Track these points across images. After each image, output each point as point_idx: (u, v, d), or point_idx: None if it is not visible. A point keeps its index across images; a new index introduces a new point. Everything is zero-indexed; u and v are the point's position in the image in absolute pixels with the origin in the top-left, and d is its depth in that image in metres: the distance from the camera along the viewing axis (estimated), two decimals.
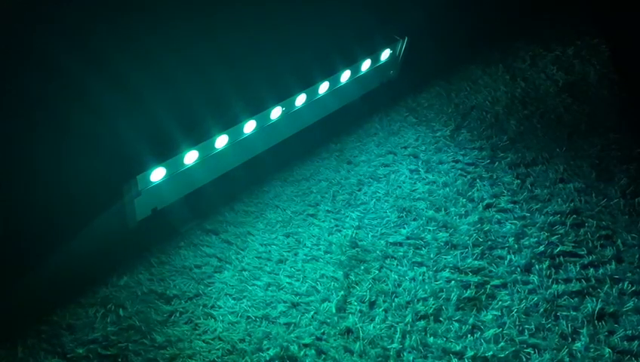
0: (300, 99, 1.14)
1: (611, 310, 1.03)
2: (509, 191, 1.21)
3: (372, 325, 0.98)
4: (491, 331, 0.98)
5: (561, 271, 1.08)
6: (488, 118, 1.38)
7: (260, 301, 0.99)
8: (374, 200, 1.17)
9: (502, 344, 0.97)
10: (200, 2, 0.88)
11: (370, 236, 1.11)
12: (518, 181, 1.23)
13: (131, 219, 0.99)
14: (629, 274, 1.09)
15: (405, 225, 1.13)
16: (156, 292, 0.98)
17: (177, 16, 0.86)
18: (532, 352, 0.97)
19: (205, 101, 0.98)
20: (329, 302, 1.00)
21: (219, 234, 1.08)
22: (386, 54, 1.30)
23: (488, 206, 1.18)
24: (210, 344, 0.94)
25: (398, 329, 0.97)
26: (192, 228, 1.08)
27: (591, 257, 1.11)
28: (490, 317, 1.00)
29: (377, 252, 1.08)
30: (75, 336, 0.92)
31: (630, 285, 1.07)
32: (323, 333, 0.96)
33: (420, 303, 1.01)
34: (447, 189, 1.20)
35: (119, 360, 0.90)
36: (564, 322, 1.01)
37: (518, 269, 1.08)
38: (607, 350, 0.98)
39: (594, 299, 1.04)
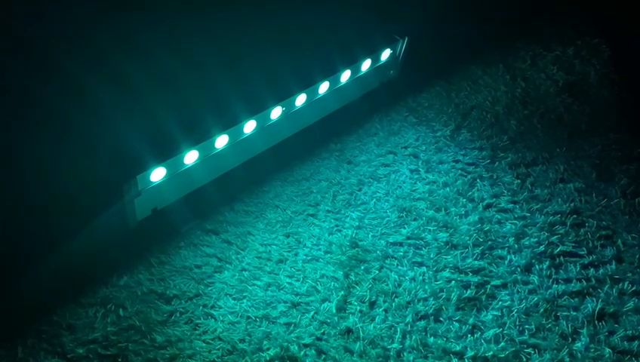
0: (300, 99, 1.14)
1: (611, 310, 1.03)
2: (509, 191, 1.21)
3: (372, 325, 0.98)
4: (491, 331, 0.98)
5: (561, 271, 1.08)
6: (488, 117, 1.38)
7: (260, 301, 0.99)
8: (374, 200, 1.17)
9: (502, 344, 0.97)
10: (200, 2, 0.88)
11: (370, 236, 1.11)
12: (519, 181, 1.23)
13: (131, 219, 0.99)
14: (629, 274, 1.09)
15: (405, 225, 1.13)
16: (156, 293, 0.98)
17: (177, 16, 0.86)
18: (532, 352, 0.97)
19: (205, 101, 0.98)
20: (329, 302, 1.00)
21: (219, 234, 1.08)
22: (386, 54, 1.29)
23: (488, 206, 1.18)
24: (211, 344, 0.94)
25: (399, 330, 0.97)
26: (192, 228, 1.08)
27: (591, 257, 1.11)
28: (491, 317, 1.00)
29: (377, 252, 1.08)
30: (75, 336, 0.92)
31: (630, 285, 1.07)
32: (323, 333, 0.96)
33: (420, 303, 1.01)
34: (448, 189, 1.20)
35: (119, 360, 0.90)
36: (565, 322, 1.01)
37: (519, 269, 1.08)
38: (608, 350, 0.98)
39: (594, 299, 1.04)
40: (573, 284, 1.06)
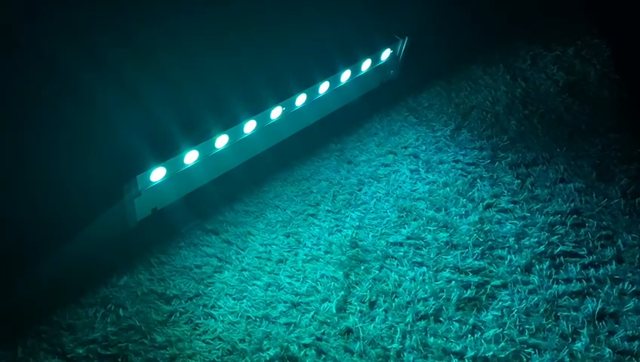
0: (301, 99, 1.14)
1: (612, 310, 1.03)
2: (509, 191, 1.21)
3: (372, 325, 0.98)
4: (492, 331, 0.98)
5: (561, 271, 1.08)
6: (489, 117, 1.38)
7: (260, 301, 0.99)
8: (375, 200, 1.17)
9: (502, 344, 0.97)
10: (200, 2, 0.88)
11: (370, 236, 1.11)
12: (519, 181, 1.23)
13: (131, 219, 0.99)
14: (629, 275, 1.09)
15: (406, 225, 1.13)
16: (156, 293, 0.98)
17: (177, 15, 0.86)
18: (532, 352, 0.97)
19: (205, 101, 0.98)
20: (329, 302, 1.00)
21: (219, 234, 1.08)
22: (386, 54, 1.29)
23: (489, 206, 1.18)
24: (210, 344, 0.94)
25: (399, 330, 0.97)
26: (192, 228, 1.08)
27: (591, 257, 1.11)
28: (491, 317, 1.00)
29: (378, 252, 1.08)
30: (75, 336, 0.92)
31: (630, 285, 1.07)
32: (323, 333, 0.96)
33: (421, 303, 1.01)
34: (448, 189, 1.20)
35: (119, 360, 0.90)
36: (565, 322, 1.01)
37: (519, 269, 1.08)
38: (608, 350, 0.98)
39: (594, 299, 1.04)
40: (573, 284, 1.06)
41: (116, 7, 0.78)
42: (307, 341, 0.95)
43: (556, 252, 1.11)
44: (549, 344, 0.98)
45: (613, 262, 1.10)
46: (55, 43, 0.74)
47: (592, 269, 1.09)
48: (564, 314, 1.02)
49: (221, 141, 1.04)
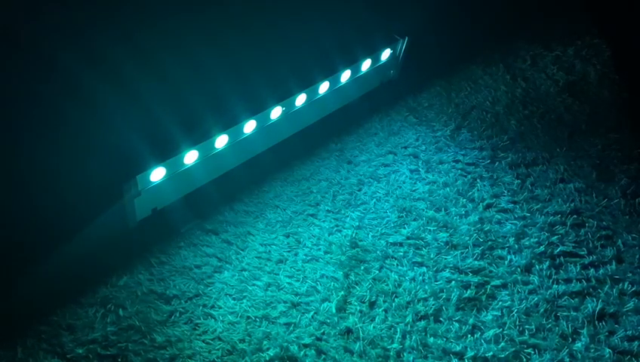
0: (300, 99, 1.14)
1: (612, 310, 1.03)
2: (509, 191, 1.21)
3: (372, 325, 0.98)
4: (491, 331, 0.98)
5: (561, 271, 1.08)
6: (489, 117, 1.38)
7: (260, 301, 0.99)
8: (374, 200, 1.17)
9: (502, 344, 0.97)
10: (200, 2, 0.88)
11: (370, 236, 1.11)
12: (519, 181, 1.23)
13: (131, 219, 0.99)
14: (629, 275, 1.09)
15: (405, 225, 1.13)
16: (156, 293, 0.98)
17: (177, 15, 0.86)
18: (532, 352, 0.97)
19: (205, 101, 0.98)
20: (329, 302, 1.00)
21: (219, 234, 1.08)
22: (386, 54, 1.29)
23: (488, 206, 1.18)
24: (210, 344, 0.93)
25: (399, 330, 0.97)
26: (192, 228, 1.08)
27: (591, 257, 1.11)
28: (491, 317, 1.00)
29: (377, 252, 1.08)
30: (74, 336, 0.92)
31: (630, 285, 1.07)
32: (323, 333, 0.96)
33: (420, 303, 1.01)
34: (448, 189, 1.20)
35: (119, 360, 0.90)
36: (565, 322, 1.01)
37: (519, 269, 1.07)
38: (608, 350, 0.98)
39: (594, 300, 1.04)
40: (573, 284, 1.06)
41: (116, 7, 0.78)
42: (307, 341, 0.95)
43: (556, 252, 1.11)
44: (549, 344, 0.98)
45: (613, 262, 1.10)
46: (55, 43, 0.74)
47: (592, 269, 1.09)
48: (564, 314, 1.02)
49: (221, 141, 1.04)
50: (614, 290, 1.06)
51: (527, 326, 1.00)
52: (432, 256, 1.08)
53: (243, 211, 1.12)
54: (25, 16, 0.71)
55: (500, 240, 1.12)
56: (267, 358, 0.92)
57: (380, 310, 1.00)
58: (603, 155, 1.30)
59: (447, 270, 1.06)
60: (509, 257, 1.09)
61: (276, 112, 1.11)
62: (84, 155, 0.87)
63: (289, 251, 1.07)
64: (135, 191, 0.95)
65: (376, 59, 1.27)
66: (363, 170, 1.23)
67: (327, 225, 1.12)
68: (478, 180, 1.23)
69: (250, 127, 1.07)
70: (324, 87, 1.18)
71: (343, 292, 1.01)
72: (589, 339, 0.99)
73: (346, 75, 1.22)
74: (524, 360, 0.96)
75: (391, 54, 1.30)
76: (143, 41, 0.83)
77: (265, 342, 0.94)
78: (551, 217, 1.17)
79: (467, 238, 1.11)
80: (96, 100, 0.83)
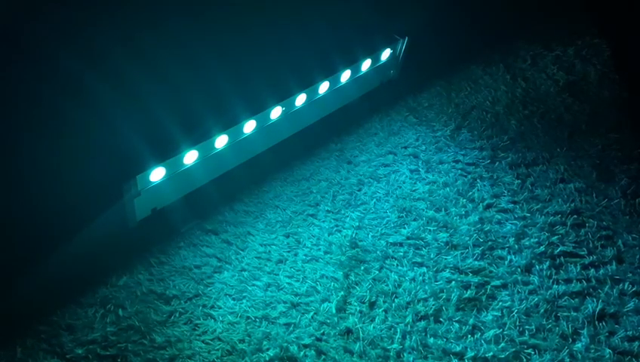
0: (300, 99, 1.14)
1: (612, 310, 1.03)
2: (509, 192, 1.21)
3: (372, 325, 0.98)
4: (492, 332, 0.98)
5: (561, 271, 1.08)
6: (489, 117, 1.38)
7: (260, 301, 0.99)
8: (374, 200, 1.17)
9: (502, 344, 0.97)
10: (200, 2, 0.88)
11: (370, 236, 1.10)
12: (519, 181, 1.23)
13: (131, 219, 0.99)
14: (629, 275, 1.09)
15: (405, 226, 1.13)
16: (156, 293, 0.98)
17: (177, 15, 0.86)
18: (532, 353, 0.97)
19: (205, 101, 0.98)
20: (329, 302, 1.00)
21: (219, 234, 1.08)
22: (386, 54, 1.29)
23: (489, 206, 1.18)
24: (210, 344, 0.93)
25: (399, 330, 0.97)
26: (191, 228, 1.08)
27: (591, 258, 1.11)
28: (491, 317, 1.00)
29: (377, 252, 1.08)
30: (74, 336, 0.91)
31: (631, 285, 1.07)
32: (323, 334, 0.96)
33: (420, 304, 1.01)
34: (448, 189, 1.20)
35: (118, 360, 0.90)
36: (565, 323, 1.01)
37: (519, 270, 1.07)
38: (608, 351, 0.97)
39: (594, 300, 1.04)
40: (573, 285, 1.06)
41: (117, 7, 0.78)
42: (307, 341, 0.95)
43: (556, 252, 1.11)
44: (549, 344, 0.98)
45: (614, 263, 1.10)
46: (55, 43, 0.74)
47: (592, 269, 1.09)
48: (565, 314, 1.02)
49: (221, 141, 1.04)
50: (614, 290, 1.06)
51: (527, 327, 1.00)
52: (432, 256, 1.08)
53: (243, 211, 1.12)
54: (25, 16, 0.70)
55: (500, 240, 1.12)
56: (267, 358, 0.92)
57: (380, 310, 1.00)
58: (603, 155, 1.30)
59: (447, 270, 1.06)
60: (509, 257, 1.09)
61: (276, 112, 1.11)
62: (83, 155, 0.87)
63: (289, 251, 1.07)
64: (135, 191, 0.95)
65: (376, 59, 1.27)
66: (363, 170, 1.23)
67: (327, 225, 1.12)
68: (478, 180, 1.23)
69: (250, 127, 1.07)
70: (324, 87, 1.18)
71: (342, 293, 1.01)
72: (589, 340, 0.99)
73: (346, 75, 1.21)
74: (525, 360, 0.96)
75: (391, 54, 1.30)
76: (142, 41, 0.83)
77: (265, 343, 0.94)
78: (551, 217, 1.17)
79: (467, 238, 1.11)
80: (96, 100, 0.82)
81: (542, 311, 1.02)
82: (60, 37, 0.74)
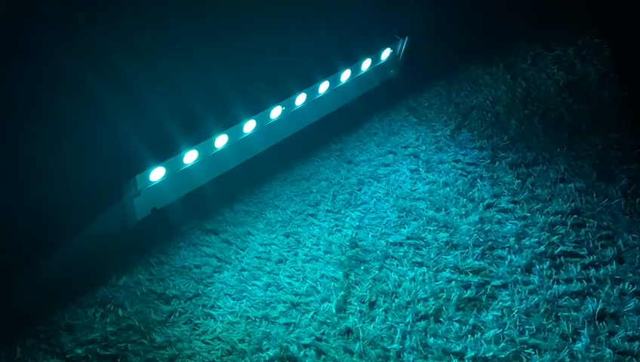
0: (300, 99, 1.14)
1: (612, 310, 1.03)
2: (509, 191, 1.21)
3: (372, 325, 0.98)
4: (492, 331, 0.98)
5: (561, 271, 1.08)
6: (489, 117, 1.38)
7: (260, 301, 0.99)
8: (374, 200, 1.17)
9: (502, 344, 0.97)
10: (200, 2, 0.88)
11: (370, 236, 1.10)
12: (519, 181, 1.23)
13: (131, 219, 0.98)
14: (630, 275, 1.08)
15: (405, 225, 1.13)
16: (155, 293, 0.98)
17: (177, 15, 0.86)
18: (532, 353, 0.96)
19: (205, 101, 0.98)
20: (329, 302, 1.00)
21: (218, 234, 1.08)
22: (386, 54, 1.29)
23: (489, 206, 1.18)
24: (210, 344, 0.93)
25: (399, 330, 0.97)
26: (191, 228, 1.08)
27: (592, 257, 1.10)
28: (491, 317, 1.00)
29: (377, 252, 1.08)
30: (74, 336, 0.91)
31: (631, 285, 1.07)
32: (323, 334, 0.96)
33: (421, 303, 1.01)
34: (448, 189, 1.20)
35: (118, 360, 0.90)
36: (565, 322, 1.01)
37: (519, 269, 1.07)
38: (608, 351, 0.97)
39: (595, 300, 1.04)
40: (573, 285, 1.06)
41: (117, 8, 0.78)
42: (307, 341, 0.95)
43: (556, 252, 1.11)
44: (550, 344, 0.98)
45: (614, 262, 1.10)
46: (55, 43, 0.74)
47: (592, 269, 1.09)
48: (565, 314, 1.02)
49: (221, 141, 1.04)
50: (615, 290, 1.06)
51: (527, 327, 0.99)
52: (432, 256, 1.08)
53: (243, 211, 1.12)
54: (25, 16, 0.70)
55: (501, 240, 1.12)
56: (267, 358, 0.92)
57: (380, 310, 1.00)
58: (603, 155, 1.30)
59: (448, 270, 1.06)
60: (509, 257, 1.09)
61: (276, 112, 1.11)
62: (83, 155, 0.87)
63: (289, 251, 1.07)
64: (135, 191, 0.95)
65: (376, 58, 1.27)
66: (363, 169, 1.23)
67: (327, 225, 1.12)
68: (478, 180, 1.23)
69: (249, 126, 1.07)
70: (324, 87, 1.18)
71: (342, 293, 1.01)
72: (590, 340, 0.98)
73: (346, 75, 1.21)
74: (525, 360, 0.96)
75: (391, 54, 1.30)
76: (142, 41, 0.83)
77: (264, 342, 0.94)
78: (551, 217, 1.16)
79: (467, 238, 1.11)
80: (96, 100, 0.82)
81: (542, 310, 1.02)
82: (59, 37, 0.74)
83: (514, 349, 0.96)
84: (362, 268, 1.05)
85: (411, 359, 0.94)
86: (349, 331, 0.97)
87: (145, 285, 0.99)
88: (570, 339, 0.99)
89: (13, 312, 0.92)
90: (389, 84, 1.37)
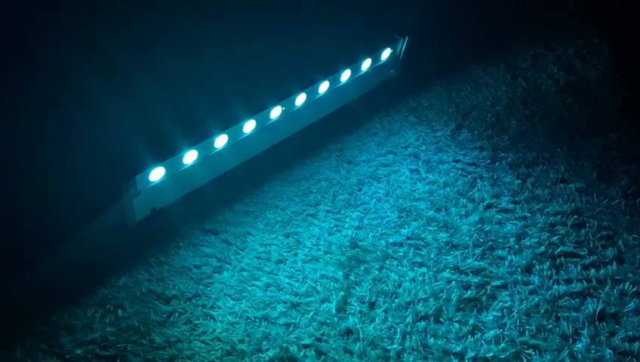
0: (300, 99, 1.14)
1: (612, 311, 1.03)
2: (509, 192, 1.21)
3: (372, 326, 0.97)
4: (492, 332, 0.98)
5: (561, 271, 1.08)
6: (489, 117, 1.38)
7: (260, 301, 0.99)
8: (374, 200, 1.17)
9: (502, 345, 0.97)
10: (200, 2, 0.88)
11: (370, 236, 1.10)
12: (519, 181, 1.23)
13: (130, 219, 0.98)
14: (630, 275, 1.08)
15: (406, 226, 1.13)
16: (155, 293, 0.98)
17: (177, 16, 0.86)
18: (533, 353, 0.96)
19: (205, 100, 0.98)
20: (329, 302, 1.00)
21: (218, 234, 1.08)
22: (386, 54, 1.29)
23: (489, 206, 1.18)
24: (210, 344, 0.93)
25: (399, 330, 0.97)
26: (191, 228, 1.08)
27: (592, 258, 1.10)
28: (491, 317, 1.00)
29: (377, 252, 1.08)
30: (73, 337, 0.91)
31: (631, 286, 1.07)
32: (323, 334, 0.96)
33: (421, 304, 1.01)
34: (448, 189, 1.20)
35: (118, 360, 0.90)
36: (565, 323, 1.00)
37: (519, 270, 1.07)
38: (608, 351, 0.97)
39: (595, 300, 1.04)
40: (573, 285, 1.06)
41: (117, 8, 0.78)
42: (307, 341, 0.95)
43: (557, 252, 1.11)
44: (550, 345, 0.98)
45: (614, 263, 1.10)
46: (55, 43, 0.74)
47: (592, 270, 1.09)
48: (565, 314, 1.02)
49: (220, 141, 1.03)
50: (615, 291, 1.06)
51: (527, 327, 0.99)
52: (432, 257, 1.08)
53: (242, 211, 1.12)
54: (26, 17, 0.70)
55: (501, 240, 1.12)
56: (267, 359, 0.92)
57: (380, 310, 1.00)
58: (603, 155, 1.30)
59: (448, 270, 1.06)
60: (509, 257, 1.09)
61: (276, 112, 1.10)
62: (83, 155, 0.87)
63: (289, 251, 1.07)
64: (134, 191, 0.95)
65: (376, 58, 1.27)
66: (363, 170, 1.23)
67: (327, 225, 1.11)
68: (478, 180, 1.22)
69: (249, 126, 1.07)
70: (324, 87, 1.18)
71: (342, 293, 1.01)
72: (590, 340, 0.98)
73: (346, 75, 1.21)
74: (525, 360, 0.96)
75: (391, 54, 1.30)
76: (143, 41, 0.83)
77: (264, 343, 0.94)
78: (551, 217, 1.16)
79: (467, 238, 1.11)
80: (96, 100, 0.82)
81: (542, 311, 1.02)
82: (59, 37, 0.74)
83: (514, 349, 0.96)
84: (362, 268, 1.05)
85: (411, 359, 0.94)
86: (349, 331, 0.97)
87: (144, 285, 0.99)
88: (571, 340, 0.99)
89: (12, 312, 0.91)
90: (389, 84, 1.36)
